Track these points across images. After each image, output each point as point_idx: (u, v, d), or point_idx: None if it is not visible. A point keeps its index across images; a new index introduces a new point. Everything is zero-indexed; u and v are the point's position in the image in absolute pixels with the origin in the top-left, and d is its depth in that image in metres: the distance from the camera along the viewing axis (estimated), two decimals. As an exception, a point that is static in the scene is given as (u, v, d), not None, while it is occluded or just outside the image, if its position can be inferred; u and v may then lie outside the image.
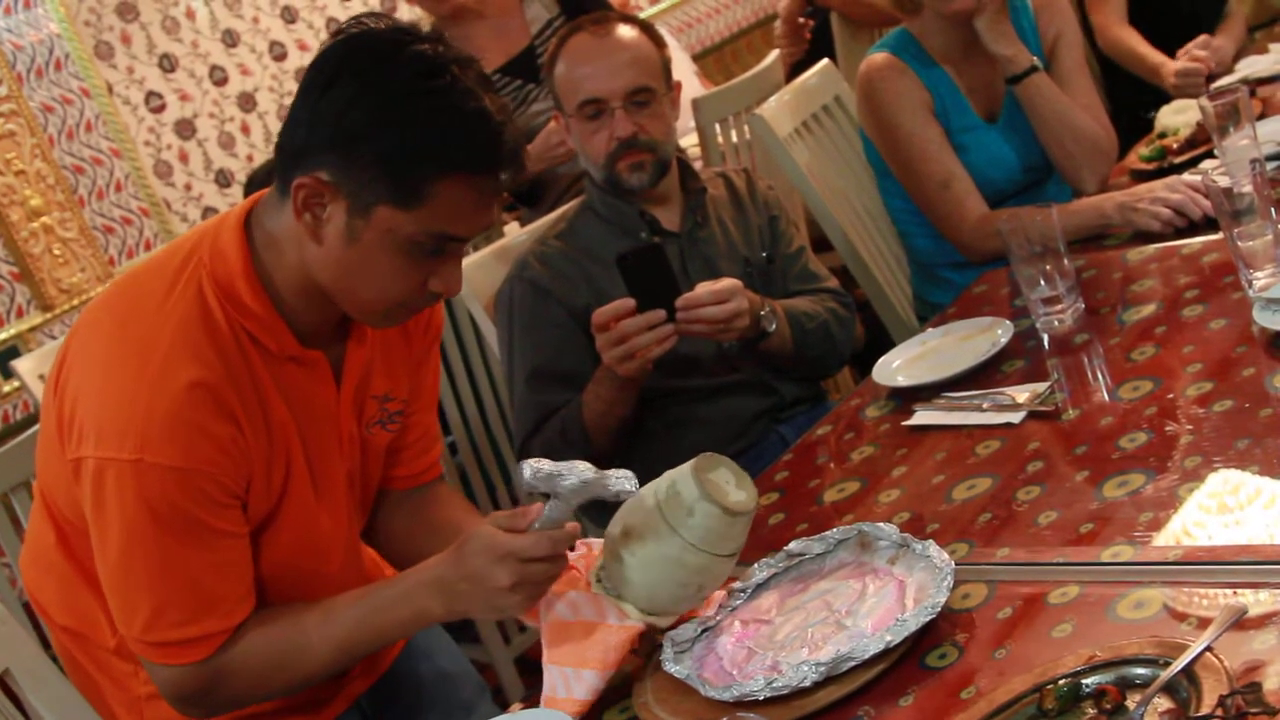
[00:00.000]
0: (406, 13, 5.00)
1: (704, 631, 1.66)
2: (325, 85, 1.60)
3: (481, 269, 2.69)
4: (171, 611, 1.65)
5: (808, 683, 1.46)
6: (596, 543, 1.72)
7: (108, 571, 1.67)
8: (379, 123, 1.58)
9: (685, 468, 1.63)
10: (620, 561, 1.63)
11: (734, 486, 1.65)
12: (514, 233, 3.11)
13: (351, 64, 1.60)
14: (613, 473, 1.61)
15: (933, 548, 1.59)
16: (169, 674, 1.69)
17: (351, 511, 1.87)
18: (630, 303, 2.20)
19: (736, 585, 1.72)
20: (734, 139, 3.72)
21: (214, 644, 1.67)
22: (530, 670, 1.72)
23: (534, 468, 1.59)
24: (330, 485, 1.80)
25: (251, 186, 3.13)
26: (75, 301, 4.18)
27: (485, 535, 1.60)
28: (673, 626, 1.66)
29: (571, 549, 1.67)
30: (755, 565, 1.74)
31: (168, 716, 1.79)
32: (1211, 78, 3.17)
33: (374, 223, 1.61)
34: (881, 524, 1.69)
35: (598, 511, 1.71)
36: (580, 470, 1.59)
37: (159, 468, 1.59)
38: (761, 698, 1.47)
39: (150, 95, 4.47)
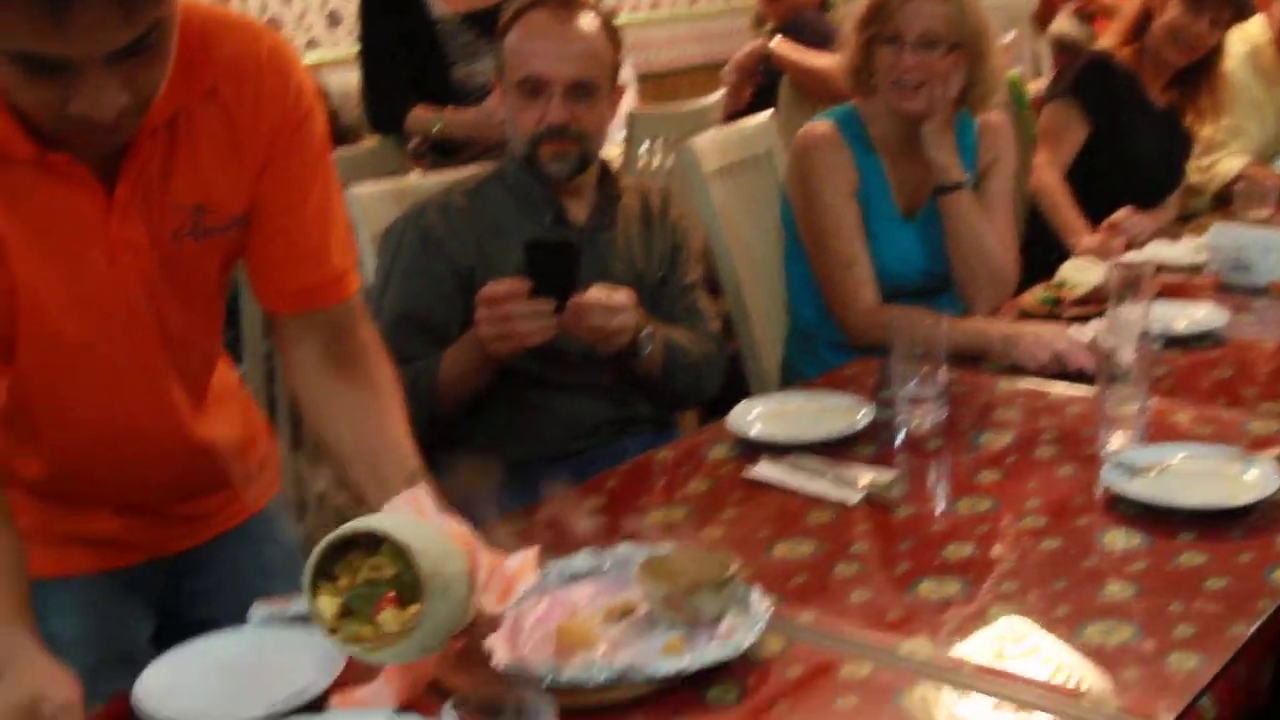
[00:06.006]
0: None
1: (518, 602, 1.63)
2: None
3: (378, 202, 2.65)
4: None
5: (591, 684, 1.45)
6: None
7: None
8: None
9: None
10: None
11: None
12: (416, 179, 3.07)
13: None
14: None
15: (755, 593, 1.60)
16: None
17: (128, 322, 1.71)
18: (525, 285, 2.19)
19: (555, 568, 1.70)
20: (655, 163, 3.73)
21: None
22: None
23: None
24: (92, 294, 1.66)
25: None
26: None
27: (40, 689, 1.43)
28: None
29: None
30: (580, 554, 1.72)
31: None
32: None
33: None
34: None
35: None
36: None
37: None
38: (545, 685, 1.44)
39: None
